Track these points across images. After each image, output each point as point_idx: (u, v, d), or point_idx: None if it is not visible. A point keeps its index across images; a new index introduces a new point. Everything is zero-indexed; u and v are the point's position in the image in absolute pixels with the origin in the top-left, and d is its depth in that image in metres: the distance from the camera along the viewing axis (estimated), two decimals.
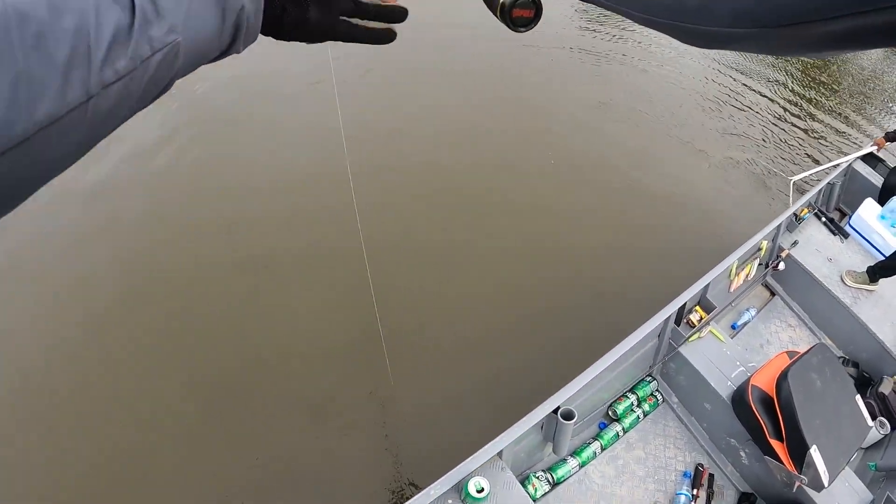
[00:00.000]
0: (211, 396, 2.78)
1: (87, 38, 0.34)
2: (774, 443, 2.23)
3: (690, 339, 2.33)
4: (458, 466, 1.74)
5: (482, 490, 1.70)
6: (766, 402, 2.31)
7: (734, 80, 6.25)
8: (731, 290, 2.69)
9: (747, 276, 2.78)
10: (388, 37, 0.60)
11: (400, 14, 0.59)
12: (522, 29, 0.54)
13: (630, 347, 2.08)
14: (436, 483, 1.71)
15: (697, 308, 2.42)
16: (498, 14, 0.54)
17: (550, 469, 2.03)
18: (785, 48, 0.37)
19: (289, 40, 0.58)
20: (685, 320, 2.36)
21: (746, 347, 2.68)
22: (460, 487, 1.73)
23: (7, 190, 0.34)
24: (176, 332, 3.02)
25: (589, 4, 0.55)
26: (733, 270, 2.67)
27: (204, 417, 2.71)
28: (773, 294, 3.00)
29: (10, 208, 0.36)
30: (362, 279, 2.25)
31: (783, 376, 2.29)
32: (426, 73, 5.06)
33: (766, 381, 2.32)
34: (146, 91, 0.41)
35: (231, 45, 0.50)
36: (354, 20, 0.57)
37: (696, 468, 2.28)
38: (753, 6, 0.33)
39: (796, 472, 2.14)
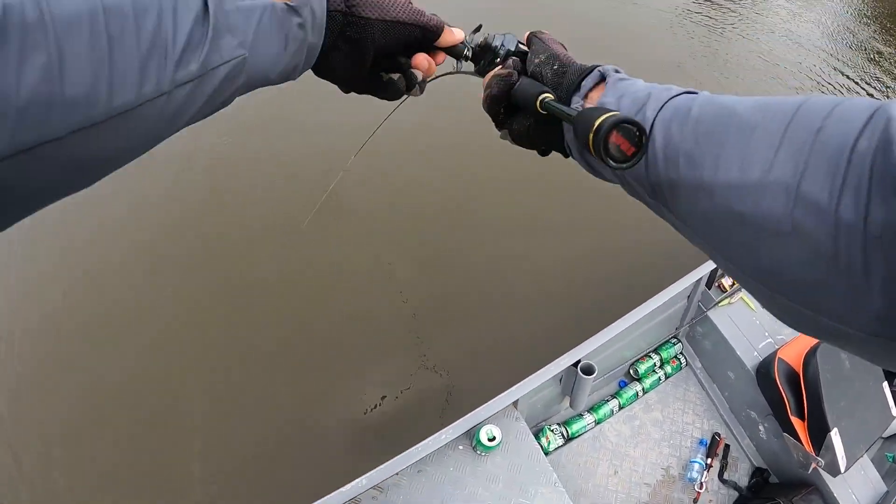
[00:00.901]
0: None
1: (165, 38, 0.36)
2: (795, 420, 2.14)
3: (720, 304, 2.22)
4: (471, 413, 1.68)
5: (494, 439, 1.63)
6: (791, 377, 2.21)
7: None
8: None
9: None
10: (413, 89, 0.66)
11: (422, 86, 0.66)
12: (614, 165, 0.41)
13: (658, 306, 1.98)
14: (448, 428, 1.65)
15: None
16: (591, 141, 0.41)
17: (566, 423, 1.96)
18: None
19: (326, 79, 0.59)
20: (716, 284, 2.24)
21: (775, 320, 2.55)
22: (472, 435, 1.67)
23: (75, 170, 0.34)
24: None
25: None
26: None
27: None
28: None
29: (77, 188, 0.35)
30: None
31: (812, 353, 2.18)
32: None
33: (793, 356, 2.21)
34: (209, 100, 0.41)
35: (291, 72, 0.51)
36: (395, 77, 0.63)
37: (713, 437, 2.20)
38: (876, 313, 0.27)
39: (814, 454, 2.05)
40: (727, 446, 2.23)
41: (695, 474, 2.09)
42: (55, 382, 2.64)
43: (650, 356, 2.16)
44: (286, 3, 0.47)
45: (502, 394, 1.71)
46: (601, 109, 0.42)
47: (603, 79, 0.49)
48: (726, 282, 2.28)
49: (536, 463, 1.69)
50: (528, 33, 0.61)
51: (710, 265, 2.19)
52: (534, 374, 1.75)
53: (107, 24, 0.32)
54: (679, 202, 0.39)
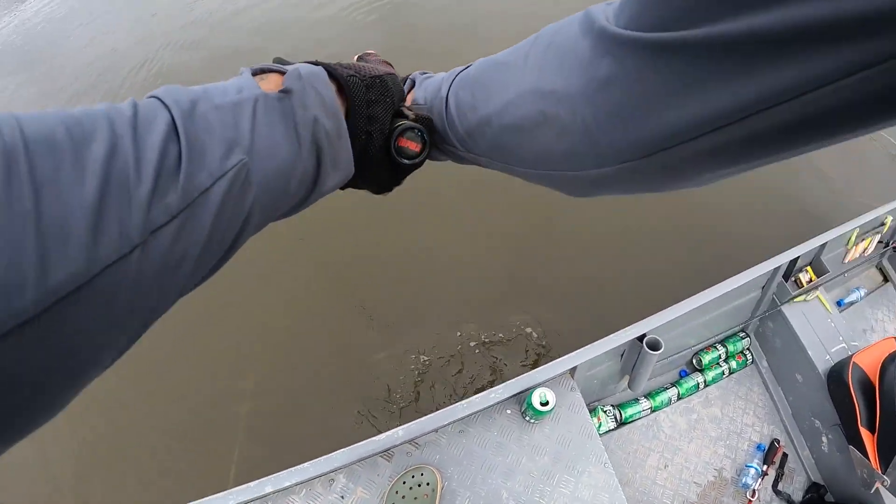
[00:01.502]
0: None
1: (124, 167, 0.26)
2: (864, 432, 1.94)
3: (796, 300, 2.03)
4: (524, 375, 1.54)
5: (547, 403, 1.48)
6: (865, 385, 2.01)
7: None
8: (846, 260, 2.34)
9: (865, 250, 2.42)
10: None
11: None
12: (408, 161, 0.50)
13: (730, 290, 1.81)
14: (498, 387, 1.51)
15: (808, 268, 2.11)
16: (386, 137, 0.49)
17: (620, 406, 1.80)
18: (652, 181, 0.35)
19: (367, 184, 0.52)
20: (794, 278, 2.05)
21: (851, 325, 2.35)
22: (522, 400, 1.53)
23: (10, 390, 0.22)
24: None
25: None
26: (852, 239, 2.31)
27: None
28: (886, 279, 2.63)
29: (27, 426, 0.24)
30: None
31: (890, 359, 1.98)
32: None
33: (870, 363, 2.01)
34: (213, 236, 0.31)
35: (317, 175, 0.40)
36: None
37: (772, 443, 2.02)
38: (611, 141, 0.33)
39: (880, 471, 1.86)
40: (785, 455, 2.04)
41: (749, 480, 1.91)
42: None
43: (716, 347, 1.99)
44: (280, 90, 0.37)
45: (559, 359, 1.56)
46: (395, 121, 0.49)
47: (413, 83, 0.58)
48: (804, 277, 2.09)
49: (588, 439, 1.54)
50: (357, 55, 0.63)
51: (789, 255, 2.00)
52: (594, 343, 1.60)
53: (30, 165, 0.22)
54: (477, 143, 0.47)
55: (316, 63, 0.44)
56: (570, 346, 1.60)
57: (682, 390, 1.90)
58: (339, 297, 2.70)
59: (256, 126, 0.34)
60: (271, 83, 0.39)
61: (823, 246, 2.13)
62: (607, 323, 1.74)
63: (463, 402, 1.49)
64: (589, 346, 1.59)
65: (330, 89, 0.41)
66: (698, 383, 1.93)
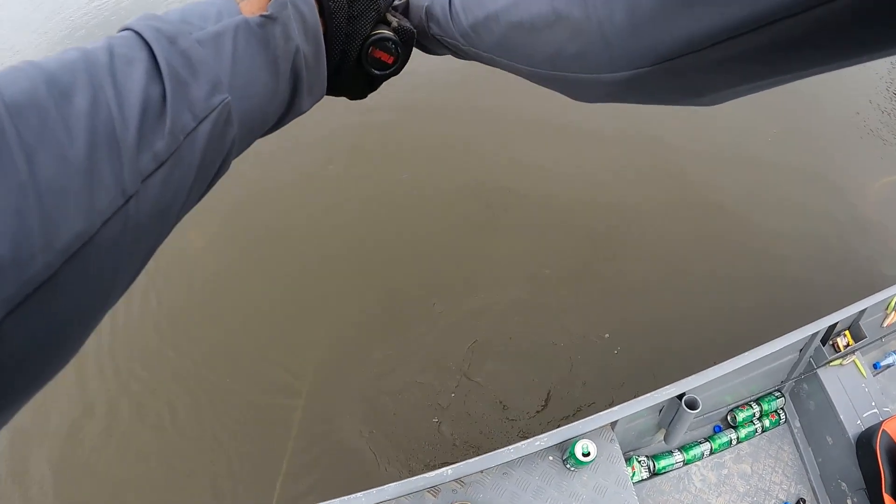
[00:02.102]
0: None
1: (109, 119, 0.25)
2: (888, 498, 1.98)
3: (832, 363, 2.08)
4: (568, 425, 1.63)
5: (588, 454, 1.57)
6: (892, 452, 2.04)
7: None
8: (885, 325, 2.37)
9: None
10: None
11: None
12: (377, 73, 0.50)
13: (768, 354, 1.87)
14: (543, 435, 1.60)
15: (846, 333, 2.15)
16: (359, 50, 0.48)
17: (654, 457, 1.87)
18: (670, 92, 0.35)
19: (340, 94, 0.51)
20: (832, 342, 2.10)
21: (884, 391, 2.38)
22: (566, 448, 1.62)
23: (36, 345, 0.23)
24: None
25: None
26: (892, 305, 2.34)
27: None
28: None
29: (48, 371, 0.25)
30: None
31: None
32: None
33: None
34: (198, 176, 0.31)
35: (292, 101, 0.40)
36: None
37: (798, 502, 2.06)
38: (626, 45, 0.32)
39: None
40: None
41: None
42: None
43: (751, 405, 2.05)
44: (261, 15, 0.36)
45: (602, 412, 1.65)
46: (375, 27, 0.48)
47: None
48: (841, 341, 2.13)
49: (622, 489, 1.62)
50: None
51: (828, 320, 2.05)
52: (635, 399, 1.68)
53: (17, 129, 0.22)
54: (482, 38, 0.46)
55: None
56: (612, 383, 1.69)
57: (714, 445, 1.96)
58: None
59: (237, 60, 0.33)
60: (254, 4, 0.37)
61: (863, 312, 2.17)
62: (648, 372, 1.81)
63: (510, 447, 1.59)
64: (631, 401, 1.68)
65: (314, 10, 0.40)
66: (731, 439, 1.99)
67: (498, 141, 3.65)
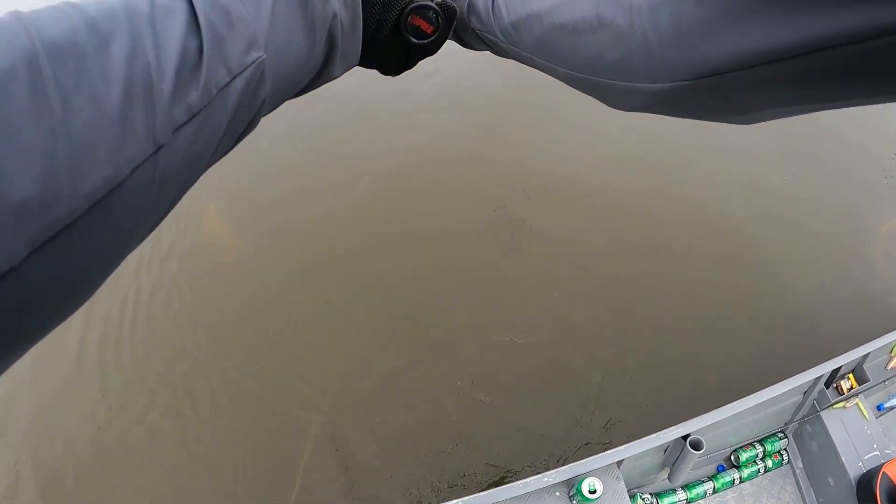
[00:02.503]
0: None
1: (146, 68, 0.25)
2: None
3: (835, 406, 2.12)
4: (575, 463, 1.68)
5: (595, 492, 1.63)
6: (892, 494, 2.08)
7: None
8: (889, 367, 2.41)
9: None
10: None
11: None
12: (415, 41, 0.48)
13: (773, 396, 1.92)
14: (551, 472, 1.66)
15: (850, 376, 2.19)
16: (398, 17, 0.47)
17: (658, 495, 1.92)
18: (708, 109, 0.34)
19: (373, 66, 0.50)
20: (835, 385, 2.14)
21: (886, 433, 2.41)
22: (573, 484, 1.67)
23: (56, 285, 0.23)
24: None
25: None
26: (895, 348, 2.39)
27: None
28: None
29: (66, 309, 0.25)
30: None
31: None
32: None
33: None
34: (228, 131, 0.31)
35: (325, 66, 0.40)
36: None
37: None
38: (668, 57, 0.32)
39: None
40: None
41: None
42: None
43: (754, 446, 2.09)
44: None
45: (609, 451, 1.70)
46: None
47: None
48: (845, 384, 2.17)
49: None
50: None
51: (833, 364, 2.10)
52: (642, 439, 1.74)
53: (55, 72, 0.22)
54: (523, 36, 0.46)
55: None
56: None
57: (717, 484, 2.00)
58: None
59: (275, 20, 0.33)
60: None
61: (867, 355, 2.21)
62: (658, 410, 1.86)
63: (518, 482, 1.64)
64: (638, 441, 1.73)
65: None
66: (734, 479, 2.03)
67: (521, 165, 3.72)
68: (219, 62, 0.29)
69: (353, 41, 0.42)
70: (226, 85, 0.29)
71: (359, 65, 0.49)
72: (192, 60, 0.28)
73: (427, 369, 2.76)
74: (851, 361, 2.17)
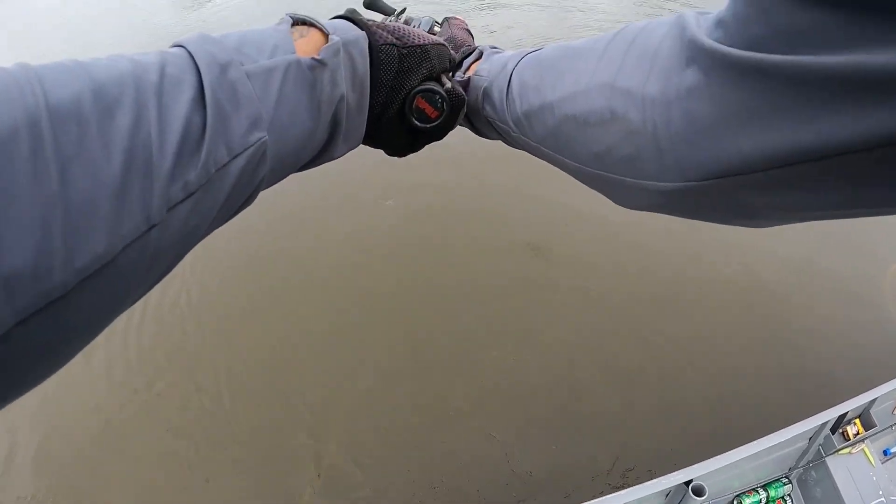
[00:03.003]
0: None
1: (147, 143, 0.25)
2: None
3: (841, 452, 2.10)
4: None
5: None
6: None
7: None
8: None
9: None
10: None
11: None
12: (418, 124, 0.47)
13: (778, 442, 1.91)
14: None
15: (857, 421, 2.17)
16: (404, 106, 0.47)
17: None
18: (720, 211, 0.33)
19: (378, 146, 0.50)
20: (841, 430, 2.12)
21: (892, 479, 2.38)
22: None
23: (41, 349, 0.23)
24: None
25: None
26: None
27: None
28: None
29: (47, 371, 0.25)
30: None
31: None
32: None
33: None
34: (223, 208, 0.31)
35: (327, 146, 0.40)
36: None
37: None
38: (679, 156, 0.31)
39: None
40: None
41: None
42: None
43: (757, 491, 2.07)
44: (313, 58, 0.35)
45: (609, 495, 1.69)
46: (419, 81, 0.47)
47: (481, 55, 0.58)
48: (851, 430, 2.15)
49: None
50: (445, 17, 0.67)
51: (839, 409, 2.08)
52: (643, 484, 1.73)
53: (56, 138, 0.22)
54: (534, 127, 0.45)
55: (359, 22, 0.42)
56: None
57: None
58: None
59: (282, 98, 0.33)
60: (310, 43, 0.37)
61: (874, 401, 2.19)
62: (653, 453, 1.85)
63: None
64: (640, 485, 1.72)
65: (365, 61, 0.40)
66: None
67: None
68: (220, 141, 0.28)
69: (358, 123, 0.42)
70: (225, 164, 0.29)
71: (364, 144, 0.49)
72: (194, 138, 0.27)
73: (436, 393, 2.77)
74: (858, 407, 2.15)
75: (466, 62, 0.58)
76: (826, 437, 2.10)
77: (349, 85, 0.38)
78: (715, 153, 0.28)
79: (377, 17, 0.75)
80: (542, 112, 0.43)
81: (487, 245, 3.52)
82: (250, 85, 0.31)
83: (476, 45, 0.62)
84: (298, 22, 0.38)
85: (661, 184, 0.33)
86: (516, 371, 2.89)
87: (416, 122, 0.48)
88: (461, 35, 0.63)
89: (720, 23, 0.28)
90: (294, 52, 0.35)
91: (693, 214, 0.36)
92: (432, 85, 0.47)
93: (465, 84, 0.55)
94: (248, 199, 0.34)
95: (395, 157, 0.55)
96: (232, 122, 0.29)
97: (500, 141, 0.57)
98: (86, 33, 7.02)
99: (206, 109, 0.28)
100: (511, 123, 0.49)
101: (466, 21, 0.68)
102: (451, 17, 0.67)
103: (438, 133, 0.50)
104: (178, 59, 0.29)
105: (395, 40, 0.43)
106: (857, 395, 2.17)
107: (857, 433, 2.16)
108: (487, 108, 0.53)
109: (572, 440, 2.64)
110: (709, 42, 0.28)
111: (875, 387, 2.24)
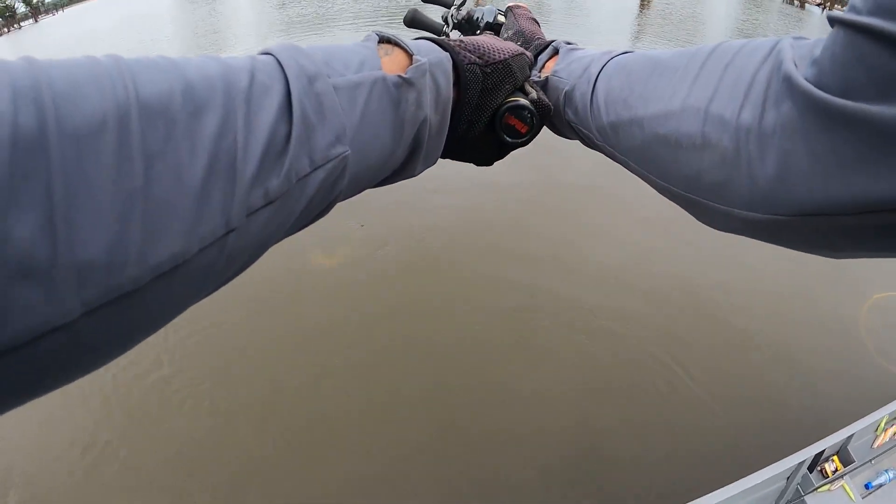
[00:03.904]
0: None
1: (233, 147, 0.25)
2: None
3: (820, 490, 2.15)
4: None
5: None
6: None
7: None
8: (875, 445, 2.44)
9: (895, 433, 2.51)
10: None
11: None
12: (509, 140, 0.48)
13: (756, 483, 1.96)
14: None
15: (835, 458, 2.23)
16: (493, 116, 0.48)
17: None
18: (802, 243, 0.33)
19: (465, 160, 0.49)
20: (819, 468, 2.18)
21: None
22: None
23: (106, 341, 0.23)
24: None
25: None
26: (882, 425, 2.42)
27: None
28: None
29: (105, 360, 0.25)
30: None
31: None
32: None
33: None
34: (300, 218, 0.31)
35: (406, 164, 0.40)
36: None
37: None
38: (769, 190, 0.31)
39: None
40: None
41: None
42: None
43: None
44: (399, 76, 0.35)
45: None
46: (514, 94, 0.48)
47: (556, 52, 0.56)
48: (829, 467, 2.21)
49: None
50: (507, 5, 0.66)
51: (815, 448, 2.14)
52: None
53: (143, 133, 0.22)
54: (620, 140, 0.45)
55: (443, 44, 0.42)
56: None
57: None
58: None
59: (366, 115, 0.32)
60: (395, 63, 0.37)
61: (850, 437, 2.24)
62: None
63: None
64: None
65: (449, 83, 0.40)
66: None
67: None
68: (304, 151, 0.28)
69: (437, 144, 0.42)
70: (306, 175, 0.29)
71: (449, 158, 0.49)
72: (278, 146, 0.27)
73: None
74: (836, 444, 2.20)
75: (541, 59, 0.57)
76: (804, 477, 2.15)
77: (432, 107, 0.38)
78: (805, 193, 0.29)
79: (437, 10, 0.77)
80: (631, 126, 0.43)
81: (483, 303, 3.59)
82: (336, 98, 0.31)
83: (546, 38, 0.60)
84: (383, 40, 0.38)
85: (750, 213, 0.33)
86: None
87: (507, 137, 0.48)
88: (529, 27, 0.61)
89: (815, 61, 0.28)
90: (380, 69, 0.35)
91: (779, 242, 0.36)
92: (520, 99, 0.47)
93: (544, 84, 0.55)
94: (324, 211, 0.34)
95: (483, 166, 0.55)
96: (316, 134, 0.29)
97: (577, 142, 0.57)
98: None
99: (292, 119, 0.28)
100: (595, 131, 0.48)
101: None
102: (515, 6, 0.65)
103: (527, 143, 0.51)
104: (267, 66, 0.29)
105: (477, 59, 0.43)
106: (835, 431, 2.23)
107: (836, 470, 2.21)
108: (569, 112, 0.52)
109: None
110: (804, 83, 0.28)
111: (852, 422, 2.30)
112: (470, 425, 2.90)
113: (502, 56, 0.44)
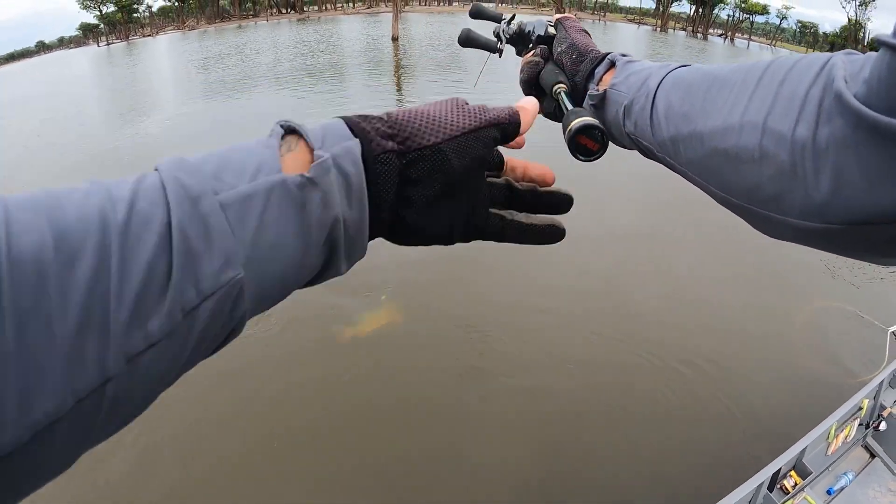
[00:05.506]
0: None
1: (106, 295, 0.24)
2: None
3: None
4: None
5: None
6: None
7: None
8: (829, 452, 2.60)
9: (846, 437, 2.69)
10: (553, 233, 0.46)
11: (566, 200, 0.46)
12: (582, 158, 0.51)
13: None
14: None
15: (793, 473, 2.38)
16: (565, 136, 0.51)
17: None
18: (853, 250, 0.35)
19: (410, 244, 0.41)
20: (779, 486, 2.32)
21: None
22: None
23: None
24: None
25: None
26: (832, 432, 2.59)
27: None
28: (872, 456, 2.86)
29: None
30: None
31: None
32: None
33: None
34: (194, 351, 0.29)
35: (326, 268, 0.36)
36: (509, 214, 0.44)
37: None
38: (823, 201, 0.33)
39: None
40: None
41: None
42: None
43: None
44: (301, 175, 0.32)
45: None
46: (580, 113, 0.51)
47: (613, 64, 0.57)
48: (788, 483, 2.35)
49: None
50: (555, 17, 0.67)
51: (771, 468, 2.27)
52: None
53: (14, 292, 0.21)
54: (680, 153, 0.46)
55: (353, 125, 0.36)
56: None
57: None
58: None
59: (262, 228, 0.30)
60: (298, 160, 0.33)
61: (804, 450, 2.40)
62: None
63: None
64: None
65: (360, 173, 0.35)
66: None
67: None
68: (189, 283, 0.26)
69: (359, 240, 0.37)
70: (194, 308, 0.27)
71: (395, 243, 0.43)
72: (158, 284, 0.25)
73: None
74: (791, 460, 2.35)
75: (598, 72, 0.59)
76: (765, 496, 2.28)
77: (344, 204, 0.34)
78: (857, 204, 0.30)
79: (488, 25, 0.76)
80: (691, 140, 0.44)
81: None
82: (224, 217, 0.28)
83: (599, 50, 0.61)
84: (289, 130, 0.35)
85: (805, 223, 0.35)
86: None
87: (580, 157, 0.51)
88: (582, 39, 0.62)
89: (865, 81, 0.30)
90: (279, 171, 0.31)
91: (833, 249, 0.37)
92: (589, 119, 0.49)
93: (602, 98, 0.56)
94: (231, 335, 0.31)
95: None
96: (202, 262, 0.27)
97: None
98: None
99: (172, 250, 0.26)
100: (655, 144, 0.50)
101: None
102: (564, 19, 0.66)
103: (597, 159, 0.53)
104: (149, 191, 0.27)
105: (396, 145, 0.37)
106: (787, 440, 2.37)
107: (796, 484, 2.36)
108: (629, 124, 0.53)
109: None
110: (854, 102, 0.30)
111: (805, 429, 2.45)
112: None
113: (432, 140, 0.38)
